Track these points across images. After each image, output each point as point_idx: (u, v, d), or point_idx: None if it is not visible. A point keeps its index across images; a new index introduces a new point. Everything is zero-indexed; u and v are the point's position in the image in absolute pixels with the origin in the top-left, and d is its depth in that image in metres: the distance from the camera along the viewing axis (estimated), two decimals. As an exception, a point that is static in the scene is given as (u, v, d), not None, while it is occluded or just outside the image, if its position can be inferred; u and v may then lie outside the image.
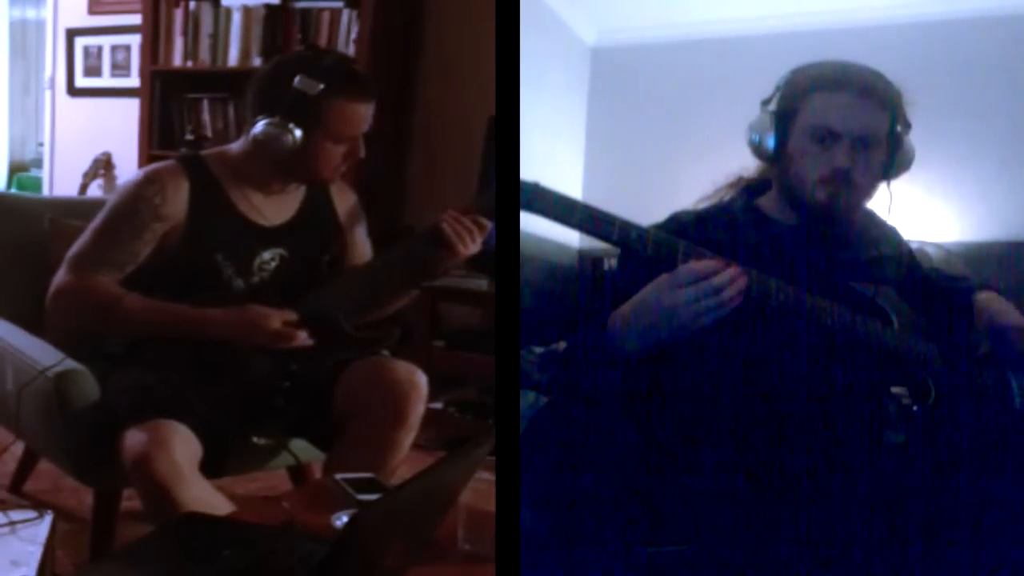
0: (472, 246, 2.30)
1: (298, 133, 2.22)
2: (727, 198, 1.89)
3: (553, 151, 4.42)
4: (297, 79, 2.21)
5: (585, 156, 4.75)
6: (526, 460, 1.72)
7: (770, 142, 1.76)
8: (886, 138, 1.74)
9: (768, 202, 1.84)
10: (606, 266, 1.70)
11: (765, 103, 1.79)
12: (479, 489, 1.75)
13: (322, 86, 2.20)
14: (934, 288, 1.87)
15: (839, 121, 1.71)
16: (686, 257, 1.51)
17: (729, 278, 1.48)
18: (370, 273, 2.40)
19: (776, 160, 1.78)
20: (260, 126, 2.24)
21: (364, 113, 2.28)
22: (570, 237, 4.07)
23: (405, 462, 2.33)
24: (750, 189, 1.87)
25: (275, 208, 2.36)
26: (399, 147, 4.25)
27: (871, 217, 1.89)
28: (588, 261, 4.20)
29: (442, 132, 4.20)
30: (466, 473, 1.72)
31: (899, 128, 1.76)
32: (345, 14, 4.02)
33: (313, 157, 2.27)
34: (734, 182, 1.90)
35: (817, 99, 1.73)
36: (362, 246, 2.51)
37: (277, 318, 2.20)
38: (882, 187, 1.79)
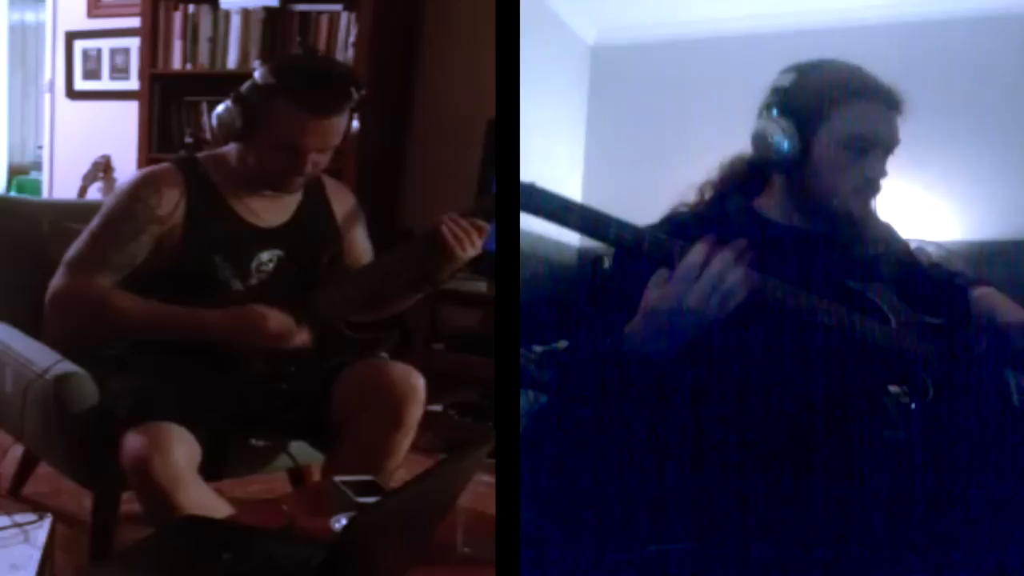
0: (471, 250, 2.29)
1: (239, 123, 2.20)
2: (706, 200, 1.87)
3: (553, 150, 4.42)
4: (257, 71, 2.20)
5: (585, 155, 4.75)
6: (525, 458, 1.72)
7: (787, 149, 1.72)
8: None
9: (765, 203, 1.83)
10: (606, 265, 1.69)
11: (768, 107, 1.77)
12: (478, 492, 1.75)
13: (273, 81, 2.18)
14: (932, 284, 1.87)
15: (876, 131, 1.71)
16: (682, 256, 1.50)
17: (728, 255, 1.46)
18: (369, 275, 2.39)
19: (791, 169, 1.75)
20: (219, 107, 2.24)
21: (313, 127, 2.19)
22: (569, 236, 4.08)
23: (404, 465, 2.32)
24: (744, 190, 1.86)
25: (272, 210, 2.36)
26: (398, 149, 4.25)
27: (871, 215, 1.89)
28: (588, 260, 4.20)
29: (441, 134, 4.20)
30: (465, 476, 1.72)
31: None
32: (344, 17, 4.02)
33: (254, 157, 2.25)
34: (699, 192, 1.88)
35: (850, 108, 1.71)
36: (361, 247, 2.51)
37: (275, 318, 2.20)
38: None
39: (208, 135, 4.42)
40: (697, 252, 1.47)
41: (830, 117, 1.71)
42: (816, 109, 1.71)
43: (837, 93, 1.72)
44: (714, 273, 1.45)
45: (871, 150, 1.71)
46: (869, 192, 1.74)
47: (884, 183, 1.76)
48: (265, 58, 4.05)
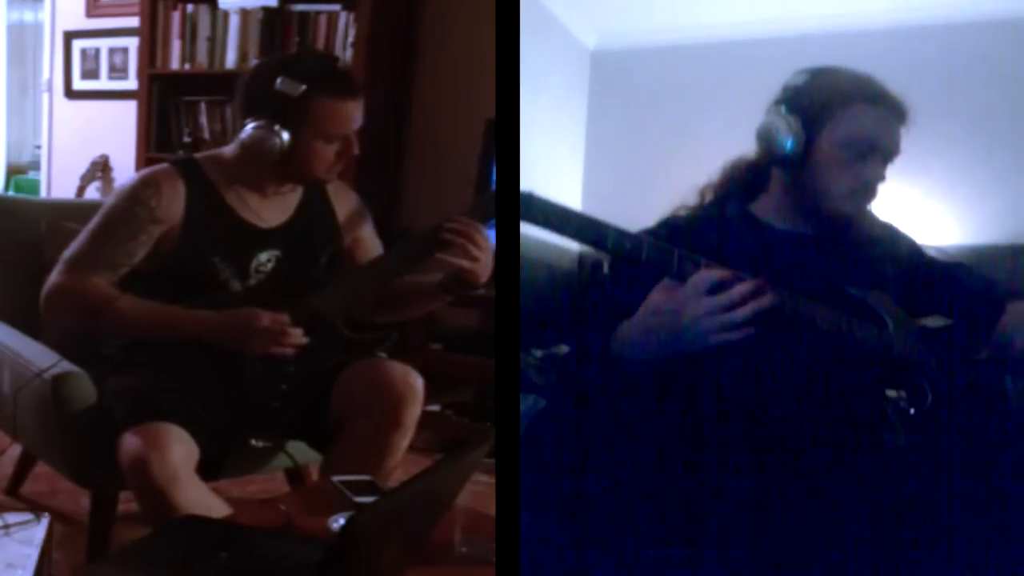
0: (475, 251, 2.27)
1: (285, 136, 2.22)
2: (706, 203, 1.87)
3: (553, 154, 4.42)
4: (279, 81, 2.20)
5: (585, 159, 4.75)
6: (525, 462, 1.72)
7: (790, 145, 1.72)
8: None
9: (763, 207, 1.83)
10: (605, 270, 1.70)
11: (778, 103, 1.77)
12: (477, 492, 1.75)
13: (304, 87, 2.20)
14: (965, 288, 1.87)
15: (878, 135, 1.71)
16: (680, 264, 1.50)
17: (749, 290, 1.46)
18: (365, 275, 2.39)
19: (791, 166, 1.76)
20: (247, 130, 2.24)
21: (351, 111, 2.27)
22: (570, 241, 4.07)
23: (402, 464, 2.32)
24: (743, 193, 1.86)
25: (272, 210, 2.36)
26: (396, 151, 4.25)
27: (868, 217, 1.89)
28: (587, 265, 4.20)
29: (439, 135, 4.20)
30: (463, 476, 1.72)
31: None
32: (342, 17, 4.02)
33: (305, 158, 2.26)
34: (699, 194, 1.88)
35: (856, 110, 1.72)
36: (370, 244, 2.50)
37: (271, 321, 2.19)
38: None
39: (204, 135, 4.43)
40: (717, 272, 1.46)
41: (834, 118, 1.72)
42: (822, 109, 1.72)
43: (843, 95, 1.72)
44: (729, 299, 1.44)
45: (871, 154, 1.71)
46: (864, 196, 1.74)
47: (881, 189, 1.76)
48: (276, 62, 4.06)
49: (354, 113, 2.28)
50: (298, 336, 2.21)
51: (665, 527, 1.64)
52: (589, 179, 4.73)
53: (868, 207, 1.78)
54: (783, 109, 1.75)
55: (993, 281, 1.93)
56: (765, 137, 1.76)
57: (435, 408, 3.59)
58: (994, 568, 1.62)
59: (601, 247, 1.50)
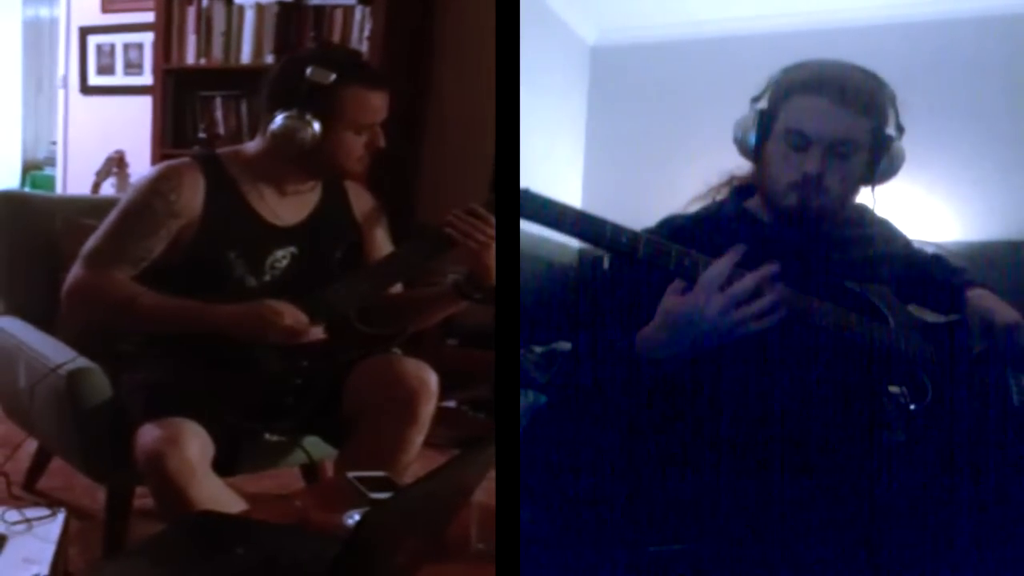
0: (482, 236, 2.27)
1: (316, 125, 2.22)
2: (719, 198, 1.88)
3: (553, 150, 4.42)
4: (309, 70, 2.21)
5: (585, 155, 4.75)
6: (525, 458, 1.72)
7: (751, 141, 1.76)
8: (868, 143, 1.71)
9: (756, 203, 1.83)
10: (605, 266, 1.71)
11: (755, 100, 1.78)
12: (492, 488, 1.75)
13: (334, 75, 2.21)
14: (931, 282, 1.86)
15: (812, 126, 1.68)
16: (678, 261, 1.50)
17: (757, 280, 1.46)
18: (379, 270, 2.39)
19: (756, 161, 1.78)
20: (278, 121, 2.23)
21: (379, 101, 2.30)
22: (570, 237, 4.07)
23: (418, 460, 2.32)
24: (740, 191, 1.86)
25: (291, 208, 2.36)
26: (412, 144, 4.24)
27: (863, 215, 1.88)
28: (588, 261, 4.19)
29: (455, 128, 4.20)
30: (479, 472, 1.72)
31: (889, 132, 1.74)
32: (358, 11, 4.02)
33: (334, 149, 2.27)
34: (727, 180, 1.89)
35: (794, 102, 1.71)
36: (382, 247, 2.50)
37: (290, 313, 2.20)
38: (867, 190, 1.79)
39: (219, 130, 4.43)
40: (723, 263, 1.47)
41: (778, 111, 1.73)
42: (773, 105, 1.74)
43: (787, 88, 1.73)
44: (743, 289, 1.45)
45: (811, 145, 1.69)
46: (810, 189, 1.70)
47: (836, 183, 1.72)
48: (279, 52, 4.07)
49: (381, 103, 2.31)
50: (317, 333, 2.22)
51: (664, 525, 1.63)
52: (589, 174, 4.73)
53: (827, 205, 1.74)
54: (755, 106, 1.77)
55: (955, 269, 1.92)
56: (736, 135, 1.79)
57: (450, 404, 3.59)
58: (994, 566, 1.61)
59: (598, 243, 1.51)
